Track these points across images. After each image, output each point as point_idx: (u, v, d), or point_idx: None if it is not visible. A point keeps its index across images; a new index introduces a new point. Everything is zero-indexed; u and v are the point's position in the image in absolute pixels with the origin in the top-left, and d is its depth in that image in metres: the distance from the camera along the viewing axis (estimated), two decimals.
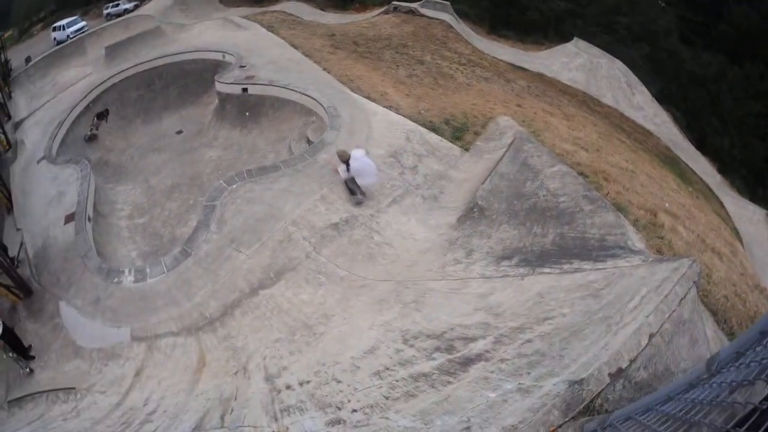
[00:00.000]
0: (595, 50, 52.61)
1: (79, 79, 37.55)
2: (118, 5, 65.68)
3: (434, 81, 31.56)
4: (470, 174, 20.09)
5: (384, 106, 24.36)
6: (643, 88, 50.81)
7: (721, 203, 34.92)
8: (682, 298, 7.61)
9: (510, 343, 8.45)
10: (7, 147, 30.75)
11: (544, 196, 15.71)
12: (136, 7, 64.47)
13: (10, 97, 40.43)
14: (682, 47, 58.70)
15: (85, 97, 32.12)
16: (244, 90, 28.05)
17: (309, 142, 22.64)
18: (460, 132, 23.17)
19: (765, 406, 2.85)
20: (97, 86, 33.19)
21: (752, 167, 50.40)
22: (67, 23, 57.02)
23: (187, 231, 19.52)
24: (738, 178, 46.60)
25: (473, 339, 9.19)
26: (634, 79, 51.15)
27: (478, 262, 13.65)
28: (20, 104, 37.95)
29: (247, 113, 28.03)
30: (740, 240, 25.63)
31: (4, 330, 14.31)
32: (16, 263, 18.83)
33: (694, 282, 8.16)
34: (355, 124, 22.30)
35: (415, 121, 23.23)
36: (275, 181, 18.96)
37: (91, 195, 21.30)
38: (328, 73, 29.15)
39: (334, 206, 17.78)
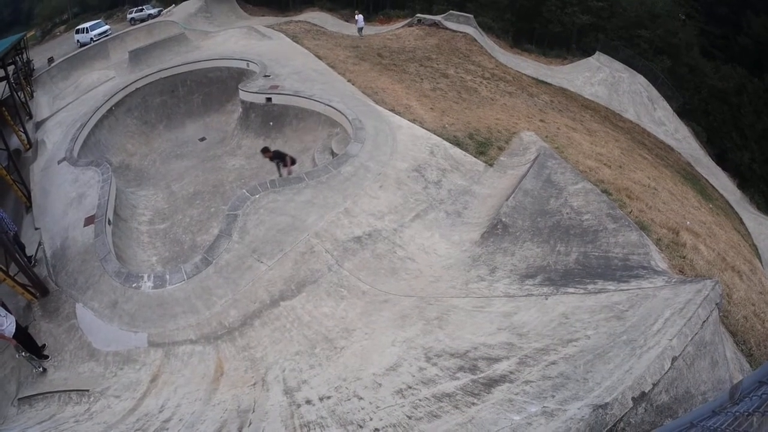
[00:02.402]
0: (617, 64, 52.85)
1: (102, 82, 37.97)
2: (142, 10, 66.45)
3: (458, 95, 31.62)
4: (494, 190, 20.02)
5: (408, 120, 24.41)
6: (665, 103, 50.97)
7: (740, 219, 34.77)
8: (704, 321, 7.57)
9: (534, 365, 8.33)
10: (28, 146, 31.04)
11: (567, 213, 15.66)
12: (160, 12, 65.05)
13: (32, 96, 41.03)
14: (703, 61, 58.97)
15: (108, 100, 32.27)
16: (269, 99, 28.15)
17: (333, 153, 22.71)
18: (484, 147, 23.17)
19: None
20: (120, 90, 33.39)
21: None
22: (90, 26, 57.91)
23: (208, 239, 19.75)
24: (757, 193, 46.49)
25: (497, 359, 9.04)
26: (655, 93, 51.36)
27: (502, 280, 13.50)
28: (42, 104, 38.32)
29: (271, 123, 28.17)
30: (759, 257, 25.41)
31: (17, 329, 14.24)
32: (33, 262, 18.91)
33: (717, 304, 8.13)
34: (379, 137, 22.35)
35: (439, 135, 23.26)
36: (298, 192, 18.96)
37: (112, 198, 21.37)
38: (353, 84, 29.35)
39: (357, 219, 17.71)
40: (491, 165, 21.94)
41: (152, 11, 66.06)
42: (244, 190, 19.08)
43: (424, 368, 9.70)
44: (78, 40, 57.68)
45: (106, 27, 58.67)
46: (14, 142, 29.85)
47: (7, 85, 33.43)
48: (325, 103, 25.87)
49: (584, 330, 8.99)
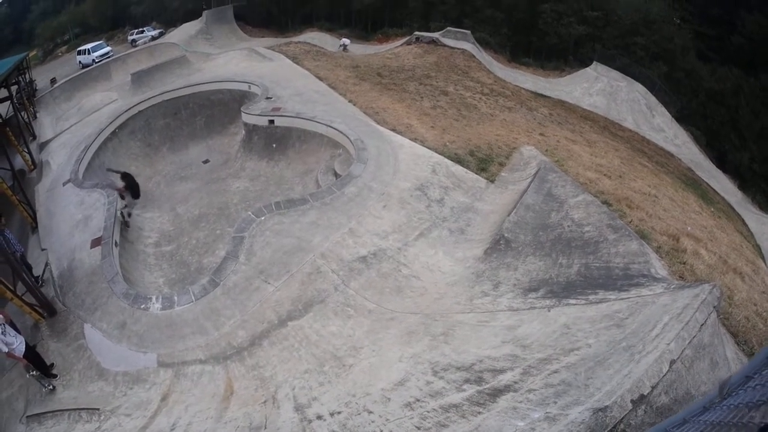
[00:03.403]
0: (615, 73, 53.25)
1: (105, 104, 38.22)
2: (143, 32, 67.17)
3: (458, 112, 31.96)
4: (496, 206, 20.29)
5: (410, 139, 24.71)
6: (663, 110, 51.40)
7: (743, 221, 34.92)
8: (702, 324, 7.90)
9: (537, 374, 8.62)
10: (32, 167, 31.21)
11: (569, 226, 15.98)
12: (161, 34, 65.63)
13: (35, 117, 41.21)
14: (699, 64, 59.28)
15: (111, 122, 32.50)
16: (271, 122, 28.45)
17: (336, 175, 22.93)
18: (485, 163, 23.48)
19: None
20: (123, 112, 33.61)
21: None
22: (92, 47, 58.58)
23: (214, 260, 19.90)
24: (759, 192, 46.51)
25: (502, 371, 9.33)
26: (653, 100, 51.74)
27: (506, 295, 13.76)
28: (45, 125, 38.50)
29: (274, 145, 28.45)
30: (762, 257, 25.60)
31: (26, 348, 14.42)
32: (40, 282, 19.03)
33: (714, 307, 8.45)
34: (381, 157, 22.63)
35: (440, 154, 23.56)
36: (303, 214, 19.20)
37: (118, 221, 21.52)
38: (354, 105, 29.69)
39: (362, 239, 17.94)
40: (493, 181, 22.22)
41: (153, 33, 66.74)
42: (250, 212, 19.35)
43: (431, 382, 9.97)
44: (80, 62, 58.27)
45: (108, 48, 59.28)
46: (18, 162, 29.85)
47: (10, 106, 33.63)
48: (327, 125, 26.15)
49: (585, 339, 9.29)
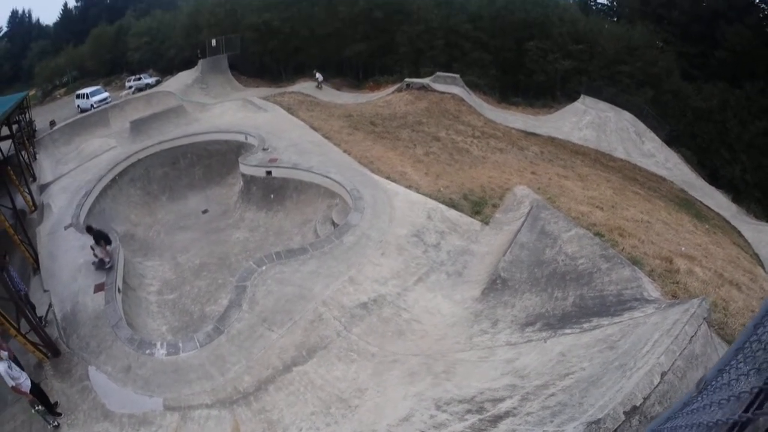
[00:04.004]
0: (603, 104, 53.86)
1: (104, 150, 38.32)
2: (140, 79, 67.79)
3: (450, 157, 32.65)
4: (491, 247, 20.72)
5: (404, 186, 25.28)
6: (653, 135, 51.97)
7: (738, 232, 35.45)
8: (692, 336, 8.29)
9: (535, 399, 9.00)
10: (33, 208, 31.27)
11: (563, 260, 16.40)
12: (158, 82, 66.20)
13: (35, 158, 41.35)
14: (684, 85, 59.92)
15: (111, 169, 32.99)
16: (268, 173, 29.04)
17: (334, 224, 23.39)
18: (479, 206, 23.97)
19: (744, 419, 3.19)
20: (123, 160, 34.11)
21: (766, 188, 51.02)
22: (90, 92, 58.91)
23: (216, 309, 20.24)
24: (753, 202, 47.06)
25: (501, 399, 9.71)
26: (642, 127, 52.35)
27: (504, 331, 14.18)
28: (45, 167, 38.70)
29: (272, 195, 28.98)
30: (761, 264, 25.90)
31: (32, 384, 14.61)
32: (44, 323, 19.11)
33: (704, 318, 8.84)
34: (378, 206, 23.17)
35: (435, 199, 24.09)
36: (304, 263, 19.58)
37: (121, 267, 21.87)
38: (349, 155, 30.31)
39: (362, 286, 18.29)
40: (487, 223, 22.70)
41: (150, 81, 67.29)
42: (251, 262, 19.73)
43: (434, 415, 10.32)
44: (78, 105, 58.40)
45: (106, 94, 59.54)
46: (19, 202, 29.82)
47: (12, 144, 33.82)
48: (323, 175, 26.73)
49: (580, 363, 9.68)
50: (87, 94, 58.79)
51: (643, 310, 11.43)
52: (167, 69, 73.75)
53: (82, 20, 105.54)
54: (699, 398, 4.68)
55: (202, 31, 69.23)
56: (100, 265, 21.24)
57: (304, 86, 57.94)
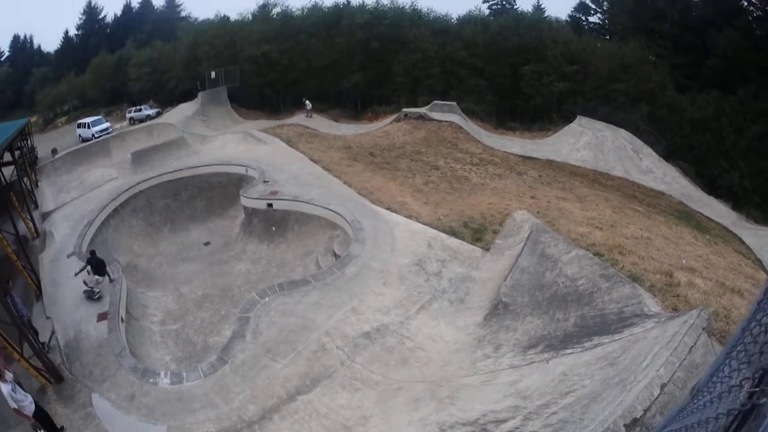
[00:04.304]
0: (599, 124, 54.15)
1: (106, 180, 38.61)
2: (140, 110, 67.90)
3: (450, 185, 32.93)
4: (493, 272, 20.81)
5: (404, 216, 25.50)
6: (650, 150, 52.18)
7: (740, 239, 35.55)
8: (691, 347, 8.42)
9: (537, 418, 9.08)
10: (35, 235, 31.42)
11: (563, 282, 16.53)
12: (159, 114, 66.44)
13: (36, 185, 41.58)
14: (678, 97, 60.08)
15: (113, 200, 33.21)
16: (270, 205, 29.28)
17: (336, 255, 23.55)
18: (479, 233, 24.14)
19: (744, 408, 3.15)
20: (125, 191, 34.34)
21: (765, 192, 51.12)
22: (92, 122, 59.26)
23: (219, 340, 20.24)
24: (753, 207, 47.20)
25: (504, 420, 9.80)
26: (639, 143, 52.57)
27: (506, 355, 14.27)
28: (47, 195, 38.89)
29: (274, 228, 29.18)
30: (764, 268, 25.90)
31: (36, 408, 14.65)
32: (47, 348, 19.12)
33: (704, 328, 8.97)
34: (378, 236, 23.38)
35: (435, 228, 24.27)
36: (306, 294, 19.70)
37: (124, 296, 21.93)
38: (349, 186, 30.57)
39: (364, 316, 18.37)
40: (488, 249, 22.84)
41: (150, 112, 67.37)
42: (254, 294, 19.86)
43: None
44: (80, 135, 58.59)
45: (108, 124, 59.77)
46: (21, 228, 29.76)
47: (14, 170, 33.95)
48: (324, 207, 26.99)
49: (581, 381, 9.76)
50: (88, 123, 59.15)
51: (643, 325, 11.57)
52: (168, 100, 74.05)
53: (83, 48, 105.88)
54: (692, 403, 4.82)
55: (201, 63, 70.12)
56: (90, 295, 21.39)
57: (303, 118, 58.50)
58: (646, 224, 27.33)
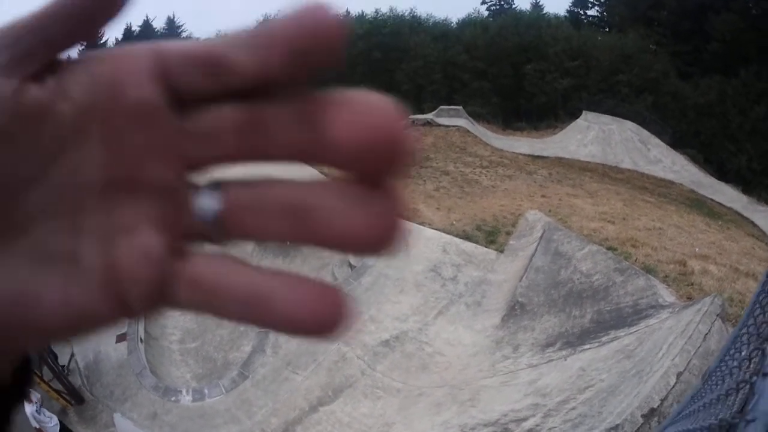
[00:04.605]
0: (605, 118, 53.90)
1: None
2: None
3: (461, 189, 33.02)
4: (508, 274, 20.76)
5: (417, 223, 25.07)
6: (657, 140, 52.06)
7: (753, 223, 35.58)
8: (706, 334, 8.48)
9: (556, 415, 9.16)
10: None
11: (578, 279, 16.60)
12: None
13: None
14: (682, 84, 60.03)
15: None
16: None
17: (351, 266, 23.45)
18: (493, 235, 24.14)
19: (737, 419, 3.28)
20: None
21: None
22: None
23: (239, 356, 20.15)
24: (763, 189, 46.74)
25: (525, 418, 9.90)
26: (645, 134, 52.41)
27: (525, 355, 14.38)
28: None
29: (288, 242, 28.63)
30: None
31: (61, 429, 14.73)
32: (66, 371, 19.22)
33: (717, 315, 9.03)
34: None
35: (449, 233, 24.17)
36: None
37: (141, 317, 21.75)
38: None
39: (383, 325, 18.45)
40: (502, 251, 22.73)
41: None
42: None
43: None
44: None
45: None
46: None
47: None
48: None
49: (599, 375, 9.84)
50: None
51: (659, 316, 11.64)
52: None
53: None
54: (703, 388, 4.83)
55: None
56: None
57: None
58: (658, 215, 27.33)
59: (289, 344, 17.93)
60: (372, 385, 15.85)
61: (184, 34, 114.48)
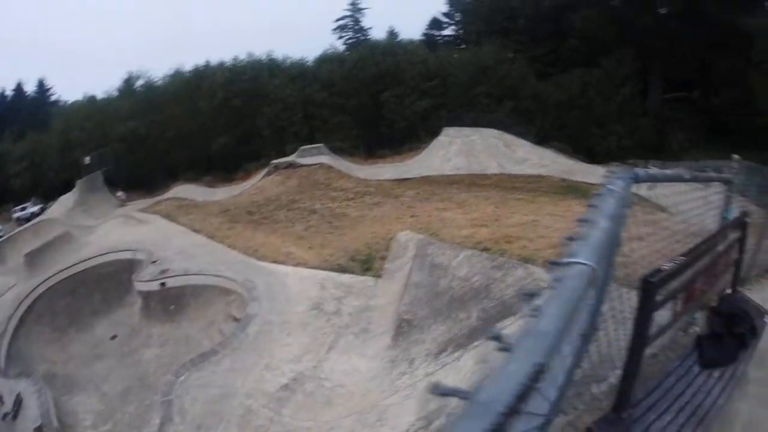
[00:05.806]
0: (467, 130, 55.37)
1: (7, 288, 36.91)
2: (25, 209, 64.38)
3: (330, 225, 33.89)
4: (389, 297, 21.76)
5: (292, 266, 26.24)
6: (522, 141, 53.73)
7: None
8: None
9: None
10: None
11: (458, 285, 17.69)
12: (42, 210, 63.77)
13: None
14: (542, 85, 62.31)
15: (16, 309, 32.06)
16: (162, 284, 29.00)
17: (236, 319, 23.94)
18: (368, 263, 25.04)
19: None
20: (25, 298, 33.21)
21: (645, 144, 53.66)
22: None
23: (152, 430, 19.63)
24: (636, 159, 47.72)
25: (431, 422, 10.92)
26: (509, 137, 54.07)
27: (420, 367, 15.31)
28: None
29: (172, 306, 28.86)
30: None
31: None
32: None
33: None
34: (272, 290, 23.92)
35: (324, 269, 25.07)
36: (218, 363, 19.77)
37: (52, 407, 21.42)
38: (234, 249, 31.00)
39: (279, 370, 18.74)
40: (379, 276, 23.74)
41: (34, 209, 63.95)
42: (170, 375, 19.85)
43: None
44: None
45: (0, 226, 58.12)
46: None
47: None
48: (215, 275, 27.32)
49: (495, 363, 11.39)
50: None
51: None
52: (50, 194, 69.43)
53: None
54: None
55: (75, 149, 67.63)
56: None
57: (179, 190, 57.47)
58: (531, 209, 28.98)
59: (194, 407, 17.89)
60: (283, 430, 16.16)
61: (53, 97, 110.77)
